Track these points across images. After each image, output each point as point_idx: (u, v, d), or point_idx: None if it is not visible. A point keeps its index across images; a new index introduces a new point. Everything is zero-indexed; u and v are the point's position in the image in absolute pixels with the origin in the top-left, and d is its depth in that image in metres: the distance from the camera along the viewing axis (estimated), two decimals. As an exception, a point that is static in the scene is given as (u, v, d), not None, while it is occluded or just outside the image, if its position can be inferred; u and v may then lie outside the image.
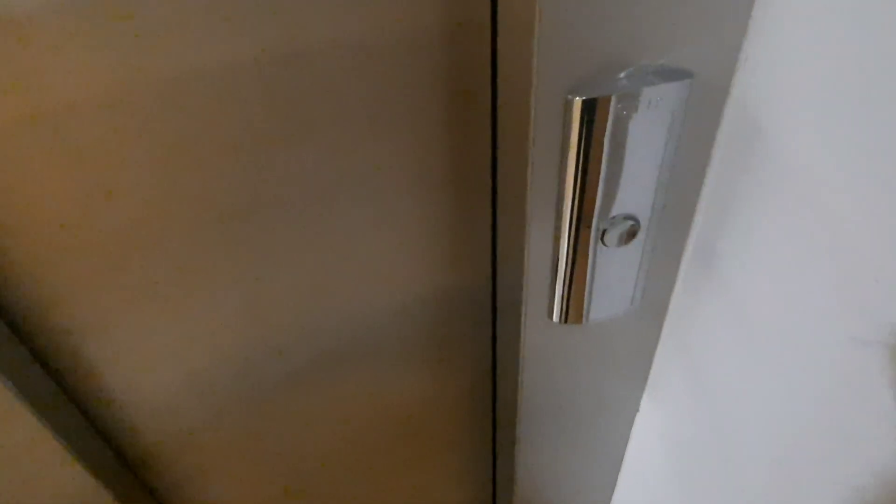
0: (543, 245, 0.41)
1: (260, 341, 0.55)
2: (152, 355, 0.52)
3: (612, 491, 0.69)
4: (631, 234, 0.40)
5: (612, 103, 0.34)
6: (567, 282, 0.43)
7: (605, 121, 0.35)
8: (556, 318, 0.45)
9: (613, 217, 0.39)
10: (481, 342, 0.63)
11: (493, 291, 0.57)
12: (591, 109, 0.34)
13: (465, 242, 0.53)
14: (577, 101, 0.34)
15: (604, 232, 0.40)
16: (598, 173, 0.37)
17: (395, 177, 0.47)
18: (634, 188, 0.38)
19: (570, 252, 0.41)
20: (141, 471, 0.63)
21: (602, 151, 0.36)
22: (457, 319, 0.60)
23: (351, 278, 0.53)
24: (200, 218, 0.44)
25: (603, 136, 0.35)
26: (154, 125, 0.39)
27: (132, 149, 0.39)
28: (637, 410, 0.58)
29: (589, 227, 0.39)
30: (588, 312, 0.45)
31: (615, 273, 0.43)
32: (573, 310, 0.45)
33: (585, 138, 0.35)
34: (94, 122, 0.38)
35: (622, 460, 0.64)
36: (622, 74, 0.35)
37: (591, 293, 0.44)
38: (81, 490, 0.55)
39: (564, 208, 0.39)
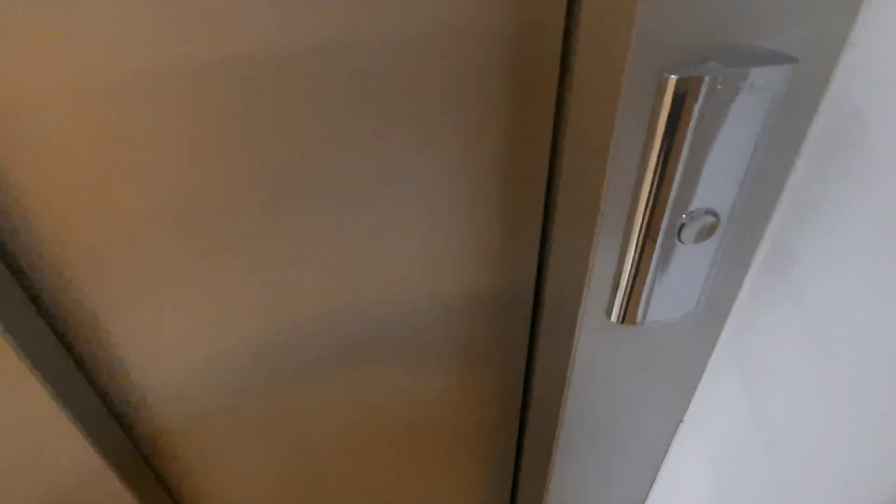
0: (613, 237, 0.38)
1: (285, 330, 0.52)
2: (171, 336, 0.50)
3: (644, 501, 0.66)
4: (710, 231, 0.37)
5: (711, 83, 0.31)
6: (633, 278, 0.40)
7: (702, 102, 0.32)
8: (615, 317, 0.42)
9: (693, 211, 0.36)
10: (516, 345, 0.61)
11: (536, 291, 0.55)
12: (687, 88, 0.31)
13: (511, 238, 0.50)
14: (672, 80, 0.31)
15: (681, 227, 0.37)
16: (685, 160, 0.34)
17: (441, 170, 0.44)
18: (720, 179, 0.35)
19: (642, 246, 0.38)
20: (149, 453, 0.61)
21: (693, 136, 0.33)
22: (493, 319, 0.57)
23: (384, 272, 0.50)
24: (233, 202, 0.42)
25: (696, 118, 0.32)
26: (197, 106, 0.37)
27: (171, 128, 0.37)
28: (681, 421, 0.55)
29: (666, 219, 0.36)
30: (647, 313, 0.43)
31: (685, 272, 0.40)
32: (632, 309, 0.42)
33: (676, 120, 0.32)
34: (135, 99, 0.36)
35: (658, 471, 0.61)
36: (722, 55, 0.32)
37: (656, 293, 0.41)
38: (87, 467, 0.53)
39: (641, 198, 0.36)
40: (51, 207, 0.40)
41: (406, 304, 0.54)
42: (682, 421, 0.55)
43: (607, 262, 0.40)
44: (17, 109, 0.35)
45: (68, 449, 0.51)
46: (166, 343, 0.51)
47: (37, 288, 0.43)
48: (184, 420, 0.58)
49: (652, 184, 0.35)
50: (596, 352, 0.46)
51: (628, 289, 0.40)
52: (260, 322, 0.51)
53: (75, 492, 0.55)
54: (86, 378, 0.50)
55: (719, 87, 0.31)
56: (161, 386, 0.54)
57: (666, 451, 0.59)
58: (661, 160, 0.34)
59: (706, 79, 0.31)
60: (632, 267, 0.39)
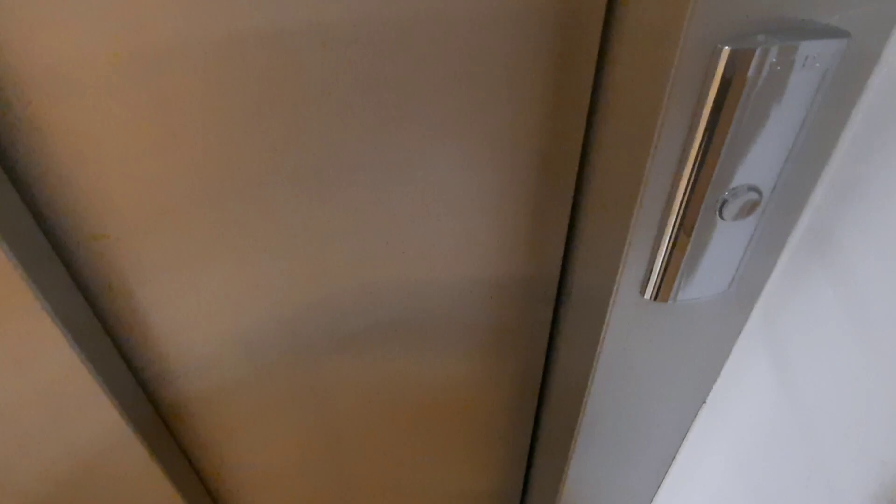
0: (653, 212, 0.38)
1: (311, 306, 0.53)
2: (200, 308, 0.50)
3: (659, 483, 0.66)
4: (751, 208, 0.37)
5: (765, 55, 0.31)
6: (670, 254, 0.40)
7: (754, 74, 0.31)
8: (649, 293, 0.42)
9: (736, 187, 0.36)
10: (539, 327, 0.61)
11: (562, 273, 0.55)
12: (740, 60, 0.31)
13: (539, 220, 0.50)
14: (726, 51, 0.31)
15: (723, 203, 0.37)
16: (732, 134, 0.34)
17: (471, 152, 0.44)
18: (765, 155, 0.35)
19: (682, 222, 0.38)
20: (172, 422, 0.61)
21: (743, 109, 0.33)
22: (517, 302, 0.58)
23: (411, 253, 0.50)
24: (268, 176, 0.42)
25: (747, 90, 0.32)
26: (237, 79, 0.37)
27: (210, 100, 0.37)
28: (704, 402, 0.56)
29: (709, 195, 0.36)
30: (681, 290, 0.43)
31: (722, 250, 0.40)
32: (666, 286, 0.42)
33: (727, 92, 0.32)
34: (176, 70, 0.36)
35: (677, 452, 0.62)
36: (775, 28, 0.31)
37: (692, 270, 0.41)
38: (111, 433, 0.53)
39: (685, 173, 0.36)
40: (88, 176, 0.40)
41: (431, 285, 0.54)
42: (704, 402, 0.56)
43: (645, 238, 0.40)
44: (60, 76, 0.35)
45: (94, 414, 0.51)
46: (194, 314, 0.51)
47: (72, 255, 0.44)
48: (208, 391, 0.58)
49: (697, 158, 0.35)
50: (626, 329, 0.46)
51: (665, 264, 0.40)
52: (287, 297, 0.52)
53: (99, 456, 0.55)
54: (114, 345, 0.51)
55: (773, 59, 0.31)
56: (187, 356, 0.54)
57: (686, 432, 0.59)
58: (708, 134, 0.34)
59: (759, 51, 0.31)
60: (670, 242, 0.39)
